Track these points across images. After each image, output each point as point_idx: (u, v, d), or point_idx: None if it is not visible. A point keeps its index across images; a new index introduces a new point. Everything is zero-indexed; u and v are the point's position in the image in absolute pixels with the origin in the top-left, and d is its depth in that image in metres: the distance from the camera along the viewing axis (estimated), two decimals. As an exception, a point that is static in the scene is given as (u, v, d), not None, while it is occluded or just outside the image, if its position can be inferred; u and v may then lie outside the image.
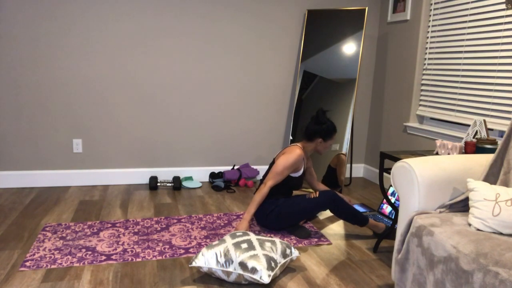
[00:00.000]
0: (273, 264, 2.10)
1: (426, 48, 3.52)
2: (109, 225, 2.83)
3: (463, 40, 3.14)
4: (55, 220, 2.87)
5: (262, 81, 3.95)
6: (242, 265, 2.06)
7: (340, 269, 2.35)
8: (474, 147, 2.39)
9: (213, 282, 2.16)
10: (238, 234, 2.27)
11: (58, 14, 3.39)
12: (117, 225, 2.83)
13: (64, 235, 2.64)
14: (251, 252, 2.10)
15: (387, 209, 3.18)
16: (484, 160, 2.07)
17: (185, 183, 3.78)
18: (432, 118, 3.54)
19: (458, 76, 3.19)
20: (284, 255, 2.22)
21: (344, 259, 2.48)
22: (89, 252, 2.41)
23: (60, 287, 2.04)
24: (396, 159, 2.48)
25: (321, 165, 3.78)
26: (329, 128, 2.81)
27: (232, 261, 2.08)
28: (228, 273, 2.09)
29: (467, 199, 1.92)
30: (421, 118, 3.64)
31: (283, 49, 3.95)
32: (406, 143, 3.72)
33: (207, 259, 2.11)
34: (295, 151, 2.77)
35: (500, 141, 2.58)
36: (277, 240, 2.28)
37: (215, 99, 3.87)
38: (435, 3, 3.40)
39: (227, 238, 2.23)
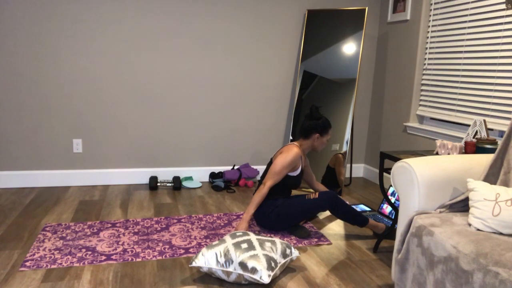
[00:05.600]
0: (273, 264, 2.10)
1: (426, 48, 3.52)
2: (109, 225, 2.83)
3: (463, 40, 3.14)
4: (55, 220, 2.87)
5: (262, 81, 3.95)
6: (242, 265, 2.06)
7: (340, 269, 2.35)
8: (474, 147, 2.39)
9: (213, 282, 2.16)
10: (238, 234, 2.27)
11: (58, 14, 3.39)
12: (117, 225, 2.83)
13: (64, 235, 2.64)
14: (251, 252, 2.10)
15: (387, 209, 3.18)
16: (484, 160, 2.07)
17: (185, 183, 3.78)
18: (432, 118, 3.54)
19: (458, 76, 3.19)
20: (284, 255, 2.22)
21: (344, 259, 2.48)
22: (89, 252, 2.41)
23: (60, 287, 2.05)
24: (396, 159, 2.48)
25: (320, 165, 3.78)
26: (324, 123, 2.83)
27: (232, 261, 2.08)
28: (228, 273, 2.09)
29: (467, 199, 1.92)
30: (421, 118, 3.64)
31: (283, 49, 3.95)
32: (406, 143, 3.72)
33: (207, 259, 2.11)
34: (293, 150, 2.78)
35: (500, 141, 2.57)
36: (277, 240, 2.28)
37: (215, 99, 3.87)
38: (435, 3, 3.40)
39: (227, 238, 2.23)
